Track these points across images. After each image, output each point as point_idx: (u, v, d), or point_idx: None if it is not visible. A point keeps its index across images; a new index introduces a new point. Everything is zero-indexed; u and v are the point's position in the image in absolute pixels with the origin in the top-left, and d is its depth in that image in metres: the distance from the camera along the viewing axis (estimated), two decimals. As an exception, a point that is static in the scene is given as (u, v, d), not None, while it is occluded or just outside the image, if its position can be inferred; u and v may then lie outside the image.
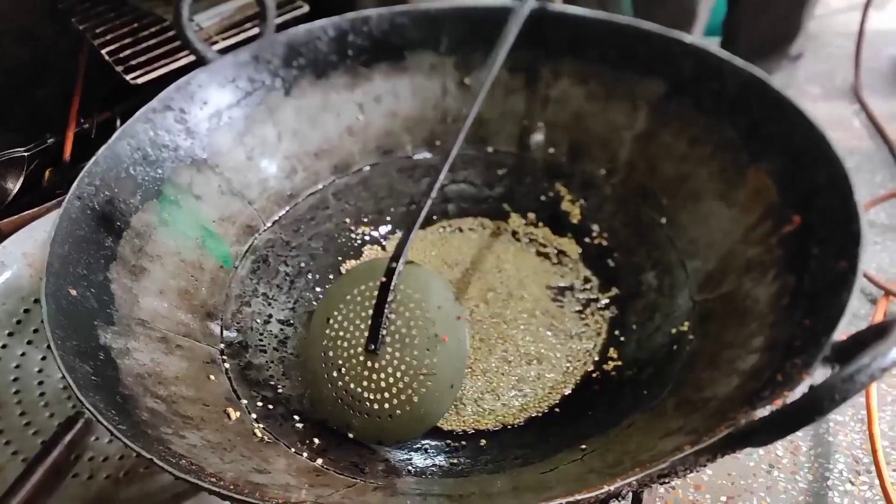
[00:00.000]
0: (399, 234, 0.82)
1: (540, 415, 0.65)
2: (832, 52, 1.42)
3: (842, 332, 0.42)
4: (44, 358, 0.78)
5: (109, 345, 0.55)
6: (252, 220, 0.74)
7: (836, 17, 1.53)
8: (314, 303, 0.74)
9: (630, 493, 0.60)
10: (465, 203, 0.82)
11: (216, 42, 0.97)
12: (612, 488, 0.39)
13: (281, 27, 0.77)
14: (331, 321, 0.63)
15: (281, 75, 0.76)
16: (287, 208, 0.77)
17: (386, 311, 0.60)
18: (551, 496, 0.39)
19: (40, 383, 0.75)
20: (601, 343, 0.70)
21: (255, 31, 0.95)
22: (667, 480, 0.42)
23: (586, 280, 0.75)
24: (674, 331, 0.63)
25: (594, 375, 0.67)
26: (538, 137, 0.79)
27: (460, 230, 0.82)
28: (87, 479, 0.68)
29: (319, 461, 0.56)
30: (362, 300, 0.62)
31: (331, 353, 0.62)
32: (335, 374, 0.61)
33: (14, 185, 1.02)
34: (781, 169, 0.59)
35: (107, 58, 0.96)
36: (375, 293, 0.61)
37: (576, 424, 0.62)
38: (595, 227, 0.77)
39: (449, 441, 0.63)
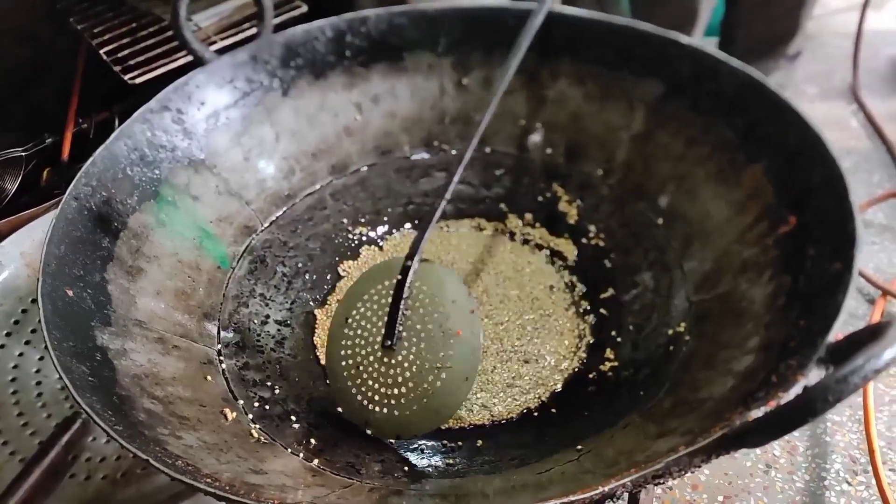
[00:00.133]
0: (396, 234, 0.82)
1: (536, 414, 0.65)
2: (830, 52, 1.42)
3: (839, 333, 0.43)
4: (41, 358, 0.78)
5: (106, 345, 0.55)
6: (249, 220, 0.74)
7: (834, 17, 1.53)
8: (311, 303, 0.74)
9: (626, 494, 0.61)
10: (462, 203, 0.82)
11: (214, 42, 0.97)
12: (606, 489, 0.39)
13: (279, 27, 0.78)
14: (349, 320, 0.63)
15: (279, 76, 0.76)
16: (284, 209, 0.77)
17: (402, 307, 0.60)
18: (547, 496, 0.39)
19: (38, 383, 0.75)
20: (596, 343, 0.70)
21: (253, 31, 0.96)
22: (662, 481, 0.42)
23: (583, 280, 0.75)
24: (670, 331, 0.63)
25: (591, 376, 0.67)
26: (536, 138, 0.79)
27: (458, 230, 0.82)
28: (84, 479, 0.68)
29: (316, 462, 0.56)
30: (379, 298, 0.63)
31: (349, 352, 0.62)
32: (353, 371, 0.62)
33: (12, 185, 1.02)
34: (778, 169, 0.59)
35: (105, 58, 0.96)
36: (392, 291, 0.61)
37: (572, 425, 0.62)
38: (592, 228, 0.77)
39: (445, 441, 0.63)
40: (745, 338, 0.54)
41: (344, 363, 0.62)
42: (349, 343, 0.63)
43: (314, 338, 0.72)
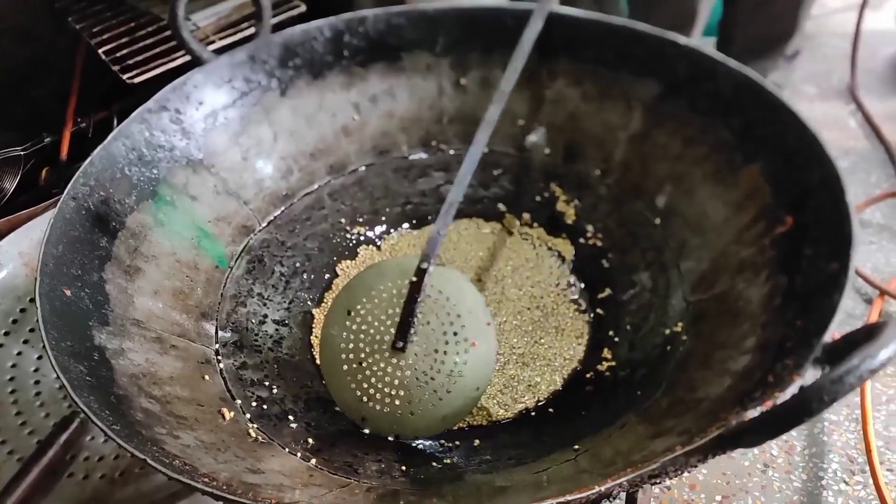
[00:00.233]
0: (394, 233, 0.82)
1: (534, 414, 0.65)
2: (828, 52, 1.42)
3: (835, 332, 0.43)
4: (40, 357, 0.78)
5: (104, 345, 0.55)
6: (247, 220, 0.74)
7: (832, 17, 1.53)
8: (309, 303, 0.74)
9: (623, 493, 0.61)
10: (460, 203, 0.82)
11: (212, 42, 0.97)
12: (603, 489, 0.40)
13: (277, 27, 0.78)
14: (352, 314, 0.62)
15: (277, 75, 0.76)
16: (282, 208, 0.77)
17: (416, 310, 0.60)
18: (544, 496, 0.39)
19: (36, 383, 0.75)
20: (594, 343, 0.70)
21: (252, 31, 0.96)
22: (658, 481, 0.42)
23: (580, 280, 0.75)
24: (667, 331, 0.63)
25: (588, 376, 0.67)
26: (534, 138, 0.80)
27: (456, 230, 0.82)
28: (82, 478, 0.68)
29: (313, 461, 0.56)
30: (388, 297, 0.62)
31: (351, 346, 0.62)
32: (355, 366, 0.61)
33: (10, 185, 1.02)
34: (775, 170, 0.59)
35: (104, 57, 0.97)
36: (403, 291, 0.61)
37: (570, 424, 0.62)
38: (590, 228, 0.77)
39: (443, 441, 0.63)
40: (741, 338, 0.54)
41: (344, 356, 0.61)
42: (351, 336, 0.62)
43: (312, 337, 0.72)
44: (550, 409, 0.65)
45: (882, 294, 0.92)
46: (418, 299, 0.60)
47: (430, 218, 0.83)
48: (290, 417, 0.62)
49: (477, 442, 0.63)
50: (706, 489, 0.76)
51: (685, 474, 0.77)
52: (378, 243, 0.81)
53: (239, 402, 0.61)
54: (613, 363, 0.67)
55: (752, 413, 0.40)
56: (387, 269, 0.64)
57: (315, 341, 0.71)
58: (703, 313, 0.61)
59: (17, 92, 1.12)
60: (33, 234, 0.84)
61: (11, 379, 0.76)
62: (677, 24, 1.15)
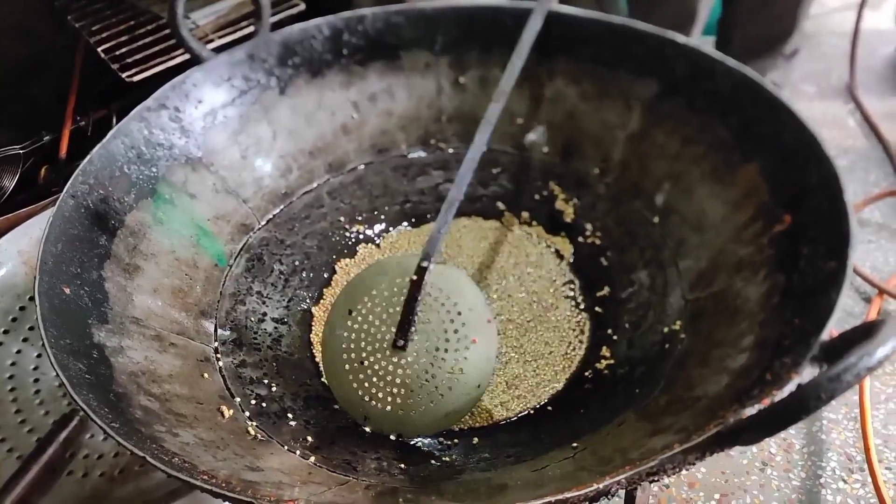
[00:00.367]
0: (393, 232, 0.82)
1: (533, 412, 0.65)
2: (827, 52, 1.42)
3: (833, 331, 0.43)
4: (39, 355, 0.78)
5: (103, 343, 0.55)
6: (247, 218, 0.74)
7: (831, 16, 1.53)
8: (308, 301, 0.74)
9: (622, 491, 0.61)
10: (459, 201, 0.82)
11: (212, 40, 0.97)
12: (601, 486, 0.40)
13: (276, 26, 0.77)
14: (353, 313, 0.62)
15: (276, 74, 0.77)
16: (282, 207, 0.77)
17: (417, 308, 0.60)
18: (542, 494, 0.39)
19: (36, 381, 0.76)
20: (593, 341, 0.70)
21: (251, 29, 0.96)
22: (656, 478, 0.42)
23: (579, 278, 0.75)
24: (666, 329, 0.64)
25: (587, 374, 0.67)
26: (533, 136, 0.80)
27: (456, 228, 0.82)
28: (81, 476, 0.68)
29: (312, 459, 0.56)
30: (389, 295, 0.62)
31: (352, 345, 0.62)
32: (357, 365, 0.61)
33: (10, 183, 1.02)
34: (773, 168, 0.59)
35: (103, 55, 0.97)
36: (404, 290, 0.61)
37: (568, 422, 0.62)
38: (588, 226, 0.77)
39: (442, 439, 0.63)
40: (739, 336, 0.54)
41: (345, 356, 0.61)
42: (352, 336, 0.62)
43: (311, 335, 0.72)
44: (549, 408, 0.65)
45: (881, 293, 0.92)
46: (419, 297, 0.60)
47: (428, 216, 0.83)
48: (289, 415, 0.62)
49: (476, 440, 0.63)
50: (705, 487, 0.76)
51: (684, 472, 0.78)
52: (377, 241, 0.81)
53: (238, 399, 0.61)
54: (612, 361, 0.67)
55: (750, 411, 0.40)
56: (387, 267, 0.64)
57: (315, 339, 0.71)
58: (701, 311, 0.62)
59: (17, 90, 1.12)
60: (32, 233, 0.84)
61: (11, 377, 0.76)
62: (677, 23, 1.15)
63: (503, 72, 0.73)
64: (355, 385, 0.61)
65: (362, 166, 0.82)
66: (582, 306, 0.73)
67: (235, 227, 0.73)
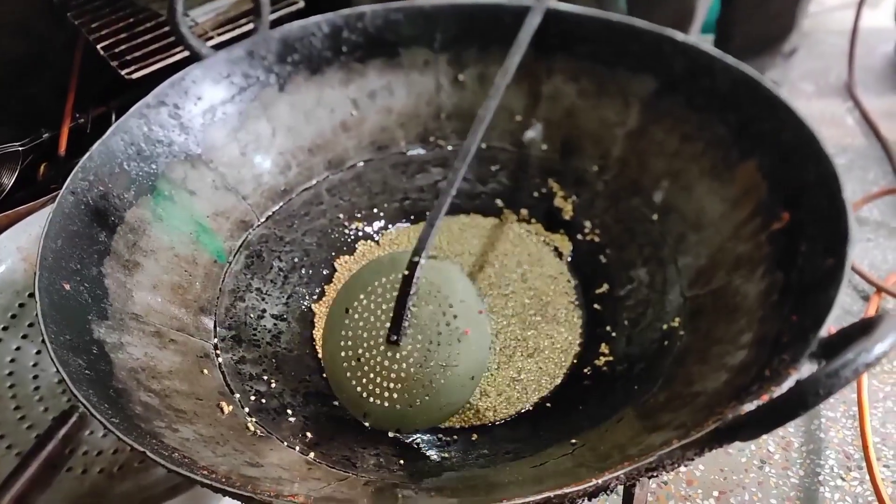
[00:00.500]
0: (392, 229, 0.82)
1: (531, 409, 0.65)
2: (826, 50, 1.42)
3: (831, 328, 0.43)
4: (38, 352, 0.78)
5: (103, 339, 0.55)
6: (246, 215, 0.74)
7: (829, 14, 1.54)
8: (307, 298, 0.74)
9: (621, 487, 0.61)
10: (457, 199, 0.82)
11: (211, 38, 0.97)
12: (599, 481, 0.40)
13: (276, 23, 0.77)
14: (350, 311, 0.63)
15: (275, 71, 0.77)
16: (281, 204, 0.77)
17: (409, 303, 0.60)
18: (541, 489, 0.39)
19: (35, 377, 0.76)
20: (592, 338, 0.70)
21: (250, 26, 0.96)
22: (655, 474, 0.42)
23: (578, 276, 0.75)
24: (664, 326, 0.64)
25: (586, 371, 0.67)
26: (531, 134, 0.80)
27: (457, 225, 0.82)
28: (81, 473, 0.68)
29: (312, 455, 0.56)
30: (383, 292, 0.63)
31: (350, 343, 0.62)
32: (354, 363, 0.62)
33: (8, 180, 1.02)
34: (771, 166, 0.60)
35: (102, 53, 0.97)
36: (397, 285, 0.61)
37: (567, 419, 0.62)
38: (587, 224, 0.77)
39: (440, 435, 0.63)
40: (738, 333, 0.54)
41: (343, 354, 0.62)
42: (349, 334, 0.63)
43: (311, 332, 0.72)
44: (548, 404, 0.65)
45: (879, 291, 0.92)
46: (410, 292, 0.60)
47: (427, 213, 0.83)
48: (289, 411, 0.62)
49: (475, 436, 0.63)
50: (703, 485, 0.76)
51: (682, 470, 0.78)
52: (376, 238, 0.81)
53: (237, 396, 0.61)
54: (611, 358, 0.67)
55: (749, 407, 0.40)
56: (381, 265, 0.65)
57: (317, 336, 0.71)
58: (700, 309, 0.62)
59: (16, 88, 1.12)
60: (31, 230, 0.84)
61: (10, 374, 0.76)
62: (676, 21, 1.15)
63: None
64: (353, 382, 0.61)
65: (361, 163, 0.82)
66: (580, 303, 0.73)
67: (235, 223, 0.73)
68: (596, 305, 0.72)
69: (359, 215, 0.81)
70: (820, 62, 1.39)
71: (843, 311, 0.93)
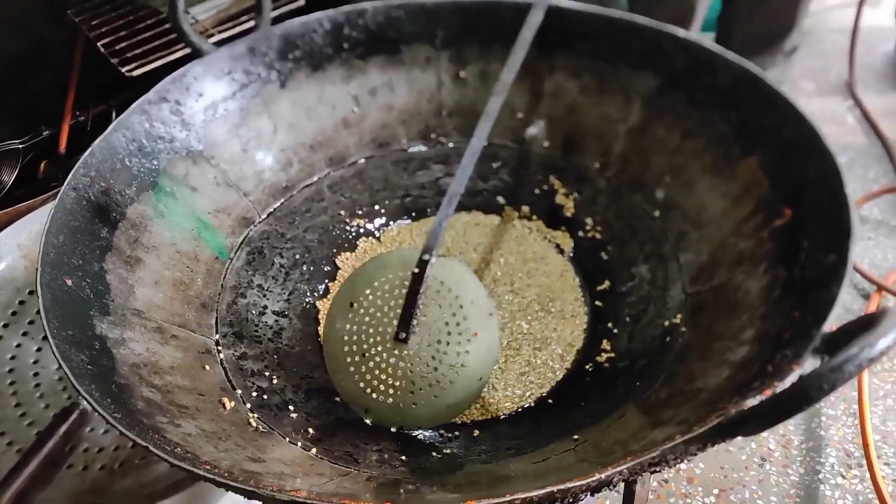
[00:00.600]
0: (393, 226, 0.82)
1: (533, 405, 0.65)
2: (826, 48, 1.42)
3: (833, 326, 0.43)
4: (39, 349, 0.78)
5: (105, 335, 0.55)
6: (247, 211, 0.74)
7: (830, 13, 1.54)
8: (309, 295, 0.74)
9: (622, 484, 0.61)
10: (460, 196, 0.82)
11: (212, 35, 0.97)
12: (602, 476, 0.40)
13: (277, 20, 0.78)
14: (355, 306, 0.63)
15: (277, 68, 0.77)
16: (282, 200, 0.77)
17: (419, 301, 0.60)
18: (544, 484, 0.39)
19: (35, 374, 0.76)
20: (594, 334, 0.70)
21: (251, 24, 0.96)
22: (657, 469, 0.42)
23: (580, 273, 0.76)
24: (666, 323, 0.64)
25: (588, 367, 0.67)
26: (533, 131, 0.80)
27: (459, 222, 0.82)
28: (82, 470, 0.68)
29: (314, 450, 0.56)
30: (391, 288, 0.62)
31: (354, 338, 0.62)
32: (358, 358, 0.61)
33: (9, 178, 1.02)
34: (773, 163, 0.60)
35: (102, 50, 0.96)
36: (406, 282, 0.61)
37: (569, 415, 0.62)
38: (589, 221, 0.77)
39: (442, 431, 0.63)
40: (740, 329, 0.54)
41: (347, 348, 0.62)
42: (354, 328, 0.62)
43: (314, 329, 0.72)
44: (550, 401, 0.66)
45: (879, 289, 0.92)
46: (420, 290, 0.60)
47: (429, 210, 0.83)
48: (291, 407, 0.62)
49: (476, 432, 0.63)
50: (704, 483, 0.76)
51: (683, 467, 0.78)
52: (378, 235, 0.81)
53: (239, 391, 0.61)
54: (613, 354, 0.67)
55: (752, 402, 0.40)
56: (389, 260, 0.64)
57: (320, 331, 0.71)
58: (701, 305, 0.62)
59: (16, 85, 1.12)
60: (32, 227, 0.84)
61: (11, 371, 0.76)
62: (676, 18, 1.15)
63: (503, 66, 0.73)
64: (357, 377, 0.61)
65: (363, 160, 0.82)
66: (582, 300, 0.73)
67: (236, 220, 0.73)
68: (597, 302, 0.73)
69: (360, 212, 0.81)
70: (820, 60, 1.39)
71: (844, 309, 0.93)
